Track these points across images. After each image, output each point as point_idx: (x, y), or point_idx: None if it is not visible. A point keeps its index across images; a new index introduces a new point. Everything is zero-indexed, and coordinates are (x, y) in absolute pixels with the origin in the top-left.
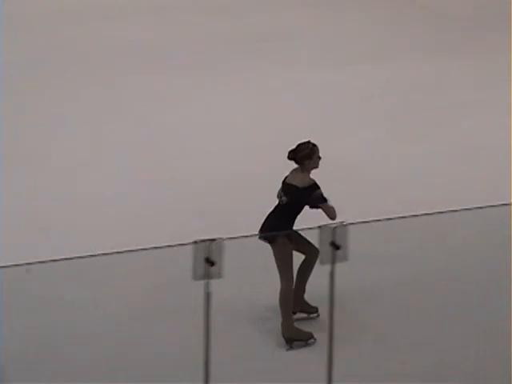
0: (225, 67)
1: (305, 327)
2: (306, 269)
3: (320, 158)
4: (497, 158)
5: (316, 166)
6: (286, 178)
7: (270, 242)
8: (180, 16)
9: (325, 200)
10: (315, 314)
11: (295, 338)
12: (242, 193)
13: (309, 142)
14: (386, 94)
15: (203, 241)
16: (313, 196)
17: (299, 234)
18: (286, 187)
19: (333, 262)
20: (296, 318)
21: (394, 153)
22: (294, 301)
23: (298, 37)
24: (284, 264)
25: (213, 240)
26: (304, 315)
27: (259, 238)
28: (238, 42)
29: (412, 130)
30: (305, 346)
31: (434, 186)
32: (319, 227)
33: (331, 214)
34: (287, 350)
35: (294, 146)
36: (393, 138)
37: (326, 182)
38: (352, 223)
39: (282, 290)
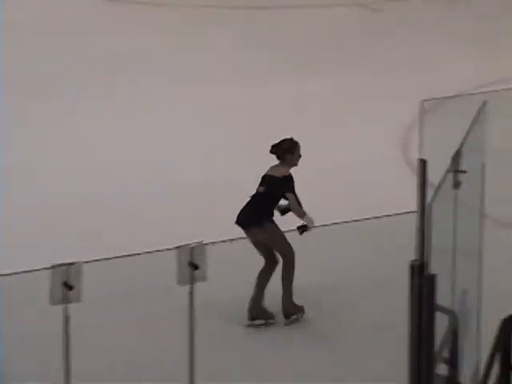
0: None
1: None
2: (265, 276)
3: (300, 155)
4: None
5: (296, 163)
6: (265, 173)
7: (256, 228)
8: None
9: (293, 192)
10: (273, 321)
11: (293, 313)
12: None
13: (291, 139)
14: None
15: (61, 265)
16: (286, 186)
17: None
18: (265, 179)
19: (191, 281)
20: (256, 324)
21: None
22: (252, 307)
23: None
24: (279, 242)
25: (71, 264)
26: (262, 321)
27: (240, 226)
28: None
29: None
30: (297, 320)
31: None
32: (177, 247)
33: (297, 209)
34: (285, 324)
35: (277, 141)
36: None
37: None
38: (213, 242)
39: (284, 265)
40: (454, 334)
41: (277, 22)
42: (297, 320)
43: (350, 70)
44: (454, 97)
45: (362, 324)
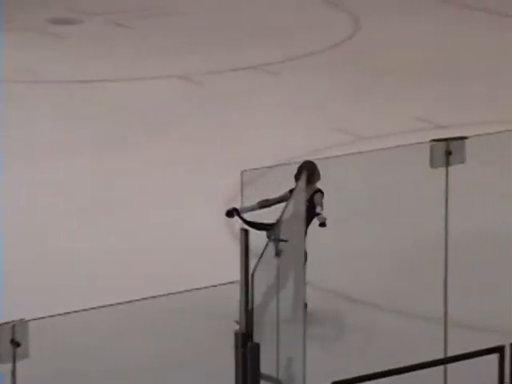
0: None
1: None
2: None
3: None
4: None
5: (319, 179)
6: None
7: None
8: None
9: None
10: None
11: None
12: None
13: (310, 162)
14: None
15: None
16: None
17: None
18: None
19: (14, 360)
20: None
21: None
22: None
23: None
24: None
25: None
26: None
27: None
28: None
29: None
30: None
31: None
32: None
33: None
34: None
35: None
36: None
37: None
38: (34, 319)
39: None
40: None
41: (97, 95)
42: None
43: (172, 143)
44: (273, 166)
45: None
